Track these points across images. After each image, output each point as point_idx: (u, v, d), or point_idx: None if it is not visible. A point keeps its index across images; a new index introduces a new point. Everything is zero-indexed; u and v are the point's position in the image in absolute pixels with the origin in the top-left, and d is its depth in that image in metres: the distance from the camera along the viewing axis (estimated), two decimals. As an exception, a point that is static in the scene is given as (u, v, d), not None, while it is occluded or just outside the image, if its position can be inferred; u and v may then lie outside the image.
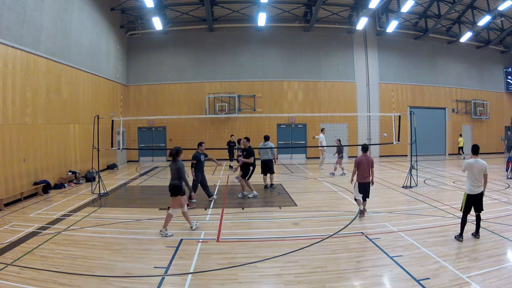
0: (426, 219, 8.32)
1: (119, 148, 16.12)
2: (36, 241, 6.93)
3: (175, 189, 7.52)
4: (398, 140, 14.19)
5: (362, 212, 8.50)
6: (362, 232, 7.34)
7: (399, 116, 14.03)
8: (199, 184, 10.26)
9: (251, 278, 5.34)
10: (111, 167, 18.98)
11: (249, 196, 10.95)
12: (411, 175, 12.54)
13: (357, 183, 8.48)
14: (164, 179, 16.10)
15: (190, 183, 8.94)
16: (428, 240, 6.75)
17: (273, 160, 12.75)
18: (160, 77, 23.00)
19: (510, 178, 13.88)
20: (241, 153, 11.57)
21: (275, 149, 13.35)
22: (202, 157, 10.36)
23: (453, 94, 25.29)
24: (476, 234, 6.78)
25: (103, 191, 11.83)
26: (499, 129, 25.57)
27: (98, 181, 11.97)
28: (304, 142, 23.26)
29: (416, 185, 12.42)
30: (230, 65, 23.19)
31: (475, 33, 24.32)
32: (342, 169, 15.67)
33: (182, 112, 21.56)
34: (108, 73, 19.39)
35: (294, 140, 23.42)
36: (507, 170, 14.43)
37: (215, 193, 11.01)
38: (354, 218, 8.44)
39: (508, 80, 26.51)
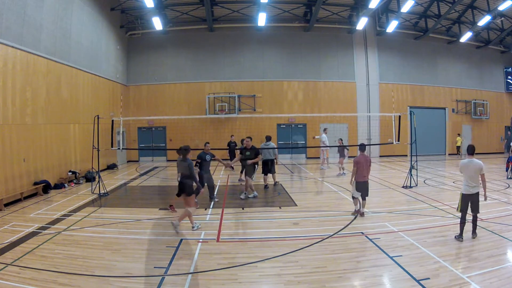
0: (426, 219, 8.32)
1: (119, 148, 16.13)
2: (36, 241, 6.93)
3: (187, 187, 7.53)
4: (398, 140, 14.18)
5: (358, 212, 8.68)
6: (362, 232, 7.34)
7: (399, 116, 14.03)
8: (205, 184, 10.21)
9: (251, 278, 5.34)
10: (111, 167, 18.98)
11: (249, 196, 10.95)
12: (411, 175, 12.53)
13: (355, 182, 8.61)
14: (164, 179, 16.11)
15: None
16: (428, 240, 6.75)
17: (275, 161, 12.80)
18: (160, 77, 23.00)
19: (510, 178, 13.88)
20: (241, 153, 11.53)
21: (276, 149, 13.37)
22: (208, 157, 10.28)
23: (453, 94, 25.29)
24: (473, 234, 6.78)
25: (103, 191, 11.83)
26: (499, 129, 25.58)
27: (98, 181, 11.97)
28: (304, 142, 23.27)
29: (416, 185, 12.42)
30: (230, 65, 23.19)
31: (475, 33, 24.32)
32: (343, 169, 15.66)
33: (182, 112, 21.55)
34: (108, 73, 19.39)
35: (294, 140, 23.42)
36: (507, 170, 14.43)
37: (215, 193, 11.00)
38: (354, 218, 8.45)
39: (508, 80, 26.51)
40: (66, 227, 7.97)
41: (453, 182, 13.44)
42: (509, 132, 17.54)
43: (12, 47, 10.98)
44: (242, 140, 12.06)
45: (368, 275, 5.36)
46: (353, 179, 8.63)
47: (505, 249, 6.35)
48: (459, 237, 6.68)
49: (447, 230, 7.36)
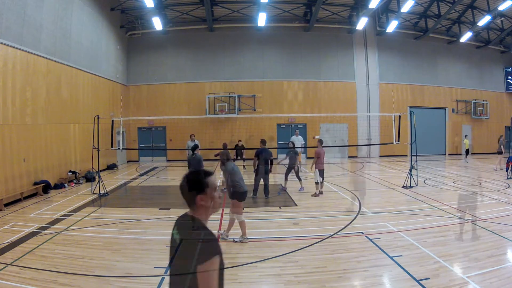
0: (426, 219, 8.32)
1: (119, 148, 16.14)
2: (36, 241, 6.93)
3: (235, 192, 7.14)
4: (398, 140, 14.18)
5: (321, 193, 11.00)
6: (362, 232, 7.34)
7: (399, 116, 14.02)
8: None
9: (251, 278, 5.34)
10: (111, 167, 18.98)
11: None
12: (411, 175, 12.53)
13: (317, 170, 10.95)
14: (164, 179, 16.12)
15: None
16: (428, 240, 6.75)
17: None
18: (160, 77, 23.00)
19: (510, 178, 13.88)
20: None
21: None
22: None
23: (453, 94, 25.29)
24: None
25: (103, 191, 11.82)
26: (499, 129, 25.56)
27: (98, 181, 11.97)
28: (304, 142, 23.24)
29: (416, 185, 12.42)
30: (230, 65, 23.19)
31: (475, 33, 24.32)
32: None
33: (182, 112, 21.54)
34: (108, 73, 19.39)
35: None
36: (507, 170, 14.43)
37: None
38: (354, 218, 8.45)
39: (508, 80, 26.51)
40: (66, 227, 7.97)
41: (453, 182, 13.44)
42: (502, 136, 17.71)
43: (12, 47, 10.97)
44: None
45: (368, 275, 5.35)
46: (314, 167, 11.05)
47: (505, 249, 6.36)
48: None
49: (447, 230, 7.36)
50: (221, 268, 2.03)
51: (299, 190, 11.92)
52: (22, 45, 11.47)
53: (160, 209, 9.66)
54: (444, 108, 25.19)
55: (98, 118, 12.02)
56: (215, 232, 6.96)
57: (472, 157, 22.44)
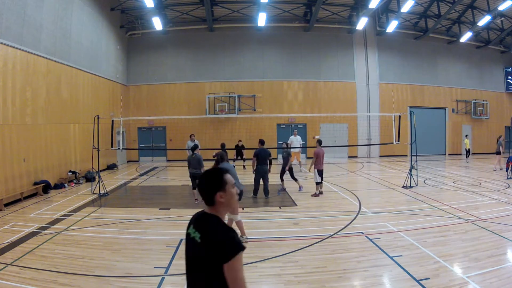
0: (426, 219, 8.32)
1: (119, 148, 16.15)
2: (36, 241, 6.93)
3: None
4: (398, 140, 14.18)
5: (321, 193, 11.07)
6: (362, 232, 7.34)
7: (399, 116, 14.03)
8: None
9: (251, 278, 5.33)
10: (111, 167, 18.98)
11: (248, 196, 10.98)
12: (411, 175, 12.53)
13: (316, 170, 10.94)
14: (164, 179, 16.12)
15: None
16: (428, 240, 6.75)
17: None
18: (160, 77, 23.00)
19: (510, 178, 13.88)
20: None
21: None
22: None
23: (453, 94, 25.29)
24: None
25: (103, 191, 11.83)
26: (499, 129, 25.56)
27: (98, 181, 11.97)
28: (304, 142, 23.25)
29: (416, 185, 12.42)
30: (230, 65, 23.19)
31: (475, 33, 24.32)
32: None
33: (182, 112, 21.54)
34: (108, 73, 19.39)
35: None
36: (507, 170, 14.43)
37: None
38: (354, 218, 8.45)
39: (508, 80, 26.51)
40: (66, 227, 7.97)
41: (453, 182, 13.45)
42: (501, 136, 17.72)
43: (12, 47, 10.98)
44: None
45: (368, 275, 5.35)
46: (313, 167, 10.98)
47: (505, 249, 6.36)
48: None
49: (447, 230, 7.36)
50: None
51: (299, 190, 11.91)
52: (22, 45, 11.47)
53: (160, 209, 9.66)
54: (444, 108, 25.19)
55: (98, 118, 12.02)
56: None
57: (472, 157, 22.44)
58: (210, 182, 2.21)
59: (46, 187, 12.25)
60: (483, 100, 25.62)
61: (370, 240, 6.85)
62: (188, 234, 2.27)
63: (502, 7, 19.75)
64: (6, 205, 10.15)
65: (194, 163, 10.21)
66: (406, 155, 22.02)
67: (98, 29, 18.20)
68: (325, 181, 13.72)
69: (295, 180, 12.24)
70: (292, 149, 17.29)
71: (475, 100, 25.38)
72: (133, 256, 6.21)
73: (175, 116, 20.22)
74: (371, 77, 23.81)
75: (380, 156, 23.75)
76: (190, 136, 15.76)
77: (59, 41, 13.96)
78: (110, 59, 19.94)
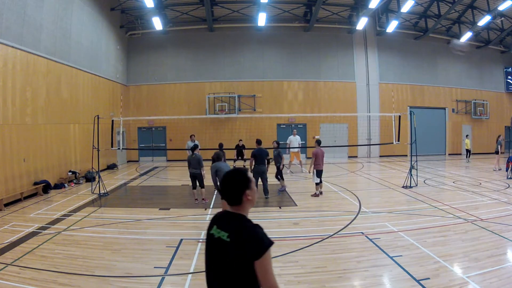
0: (426, 219, 8.32)
1: (119, 148, 16.15)
2: (36, 241, 6.93)
3: None
4: (398, 140, 14.18)
5: (318, 194, 10.97)
6: (362, 232, 7.34)
7: (399, 116, 14.03)
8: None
9: (251, 278, 5.32)
10: (111, 167, 18.99)
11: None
12: (411, 175, 12.53)
13: (315, 170, 10.88)
14: (164, 179, 16.11)
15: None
16: (428, 240, 6.75)
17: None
18: (160, 77, 23.00)
19: (510, 178, 13.88)
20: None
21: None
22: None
23: (453, 94, 25.29)
24: None
25: (103, 191, 11.83)
26: (499, 129, 25.56)
27: (98, 181, 11.97)
28: (304, 142, 23.25)
29: (416, 185, 12.42)
30: (230, 65, 23.19)
31: (475, 33, 24.32)
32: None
33: (182, 112, 21.55)
34: (108, 73, 19.39)
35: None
36: (507, 170, 14.43)
37: (215, 193, 11.02)
38: (354, 218, 8.45)
39: (508, 80, 26.51)
40: (66, 227, 7.97)
41: (453, 182, 13.45)
42: (500, 136, 17.74)
43: (12, 47, 10.98)
44: (278, 143, 12.50)
45: (368, 275, 5.35)
46: (312, 168, 10.90)
47: (505, 249, 6.36)
48: None
49: (447, 230, 7.36)
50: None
51: (279, 190, 11.83)
52: (22, 45, 11.47)
53: (160, 209, 9.66)
54: (444, 108, 25.19)
55: (98, 118, 12.02)
56: None
57: (472, 157, 22.44)
58: (237, 182, 2.25)
59: (46, 187, 12.25)
60: (483, 100, 25.62)
61: (370, 240, 6.85)
62: (211, 235, 2.27)
63: (502, 7, 19.75)
64: (6, 205, 10.15)
65: (194, 163, 10.22)
66: (406, 155, 22.02)
67: (98, 29, 18.20)
68: (325, 181, 13.75)
69: (279, 179, 12.22)
70: (291, 149, 17.32)
71: (475, 100, 25.38)
72: (133, 256, 6.21)
73: (175, 116, 20.22)
74: (371, 77, 23.81)
75: (380, 156, 23.75)
76: (191, 137, 15.77)
77: (59, 41, 13.96)
78: (110, 59, 19.94)
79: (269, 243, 2.08)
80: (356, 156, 23.80)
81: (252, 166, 10.93)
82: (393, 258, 5.87)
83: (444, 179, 14.61)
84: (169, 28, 22.26)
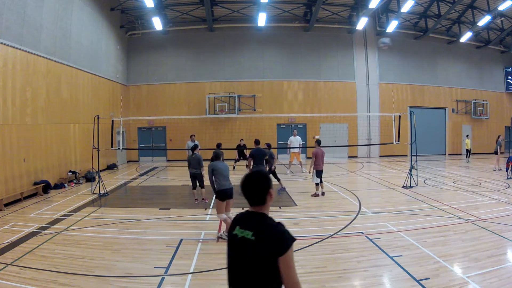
0: (426, 219, 8.32)
1: (119, 148, 16.14)
2: (36, 241, 6.93)
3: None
4: (398, 140, 14.18)
5: (318, 195, 10.89)
6: (362, 232, 7.34)
7: (399, 116, 14.03)
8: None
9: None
10: (111, 167, 18.98)
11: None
12: (411, 175, 12.53)
13: (314, 171, 10.85)
14: (164, 179, 16.11)
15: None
16: (428, 240, 6.75)
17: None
18: (160, 77, 23.00)
19: (510, 178, 13.88)
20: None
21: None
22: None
23: (453, 94, 25.29)
24: None
25: (103, 191, 11.83)
26: (499, 129, 25.58)
27: (98, 181, 11.97)
28: (304, 142, 23.25)
29: (416, 185, 12.42)
30: (230, 65, 23.19)
31: (475, 33, 24.32)
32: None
33: (182, 112, 21.55)
34: (108, 73, 19.39)
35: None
36: (507, 170, 14.43)
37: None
38: (354, 218, 8.45)
39: (508, 80, 26.51)
40: (66, 227, 7.97)
41: (453, 182, 13.45)
42: (500, 136, 17.75)
43: (12, 47, 10.98)
44: (269, 145, 12.43)
45: (368, 275, 5.35)
46: (312, 168, 10.86)
47: (505, 249, 6.36)
48: None
49: (447, 230, 7.36)
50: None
51: (279, 190, 11.86)
52: (22, 45, 11.47)
53: (160, 209, 9.66)
54: (444, 108, 25.19)
55: (98, 118, 12.02)
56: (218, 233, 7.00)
57: (472, 157, 22.44)
58: (262, 184, 2.34)
59: (46, 187, 12.25)
60: (483, 100, 25.62)
61: (370, 240, 6.85)
62: (234, 236, 2.34)
63: (502, 7, 19.75)
64: (6, 205, 10.15)
65: (194, 163, 10.23)
66: (406, 155, 22.02)
67: (98, 29, 18.20)
68: (325, 181, 13.76)
69: (278, 180, 12.33)
70: (291, 149, 17.31)
71: (475, 100, 25.38)
72: (133, 256, 6.21)
73: (175, 116, 20.22)
74: (371, 77, 23.81)
75: (380, 156, 23.75)
76: (191, 137, 15.77)
77: (59, 41, 13.96)
78: (110, 59, 19.94)
79: (292, 239, 2.20)
80: (356, 156, 23.80)
81: (251, 166, 10.94)
82: (393, 258, 5.87)
83: (444, 179, 14.61)
84: (169, 28, 22.26)
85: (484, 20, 21.25)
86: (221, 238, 6.94)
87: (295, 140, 17.08)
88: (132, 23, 22.04)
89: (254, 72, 23.15)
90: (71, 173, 14.36)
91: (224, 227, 7.37)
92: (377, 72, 23.96)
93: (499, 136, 17.81)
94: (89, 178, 14.31)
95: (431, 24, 23.33)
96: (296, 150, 17.21)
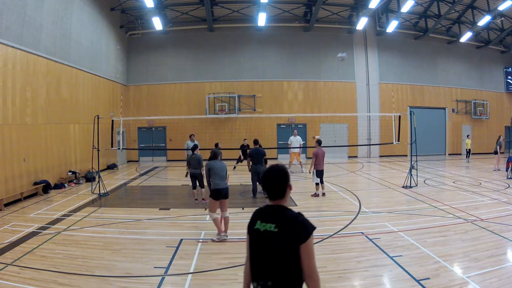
0: (426, 219, 8.32)
1: (119, 148, 16.14)
2: (36, 241, 6.93)
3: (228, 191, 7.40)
4: (398, 140, 14.18)
5: (318, 195, 10.88)
6: (362, 232, 7.34)
7: (399, 116, 14.03)
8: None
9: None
10: (111, 167, 18.98)
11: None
12: (411, 175, 12.53)
13: (314, 171, 10.84)
14: (164, 179, 16.11)
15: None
16: (428, 240, 6.75)
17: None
18: (160, 77, 23.00)
19: (510, 178, 13.88)
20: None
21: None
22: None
23: (453, 94, 25.30)
24: None
25: (103, 191, 11.83)
26: (499, 129, 25.59)
27: (98, 181, 11.97)
28: (304, 142, 23.23)
29: (416, 185, 12.42)
30: (230, 65, 23.19)
31: (475, 33, 24.32)
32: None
33: (182, 112, 21.55)
34: (108, 73, 19.39)
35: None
36: (507, 170, 14.43)
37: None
38: (354, 218, 8.45)
39: (508, 80, 26.51)
40: (66, 227, 7.97)
41: (453, 182, 13.45)
42: (500, 136, 17.75)
43: (12, 47, 10.98)
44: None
45: (368, 275, 5.35)
46: (312, 168, 10.84)
47: (505, 249, 6.36)
48: None
49: (447, 230, 7.36)
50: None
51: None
52: (22, 45, 11.47)
53: (160, 209, 9.66)
54: (444, 108, 25.19)
55: (98, 118, 12.02)
56: (223, 234, 6.98)
57: (472, 157, 22.44)
58: (282, 177, 2.44)
59: (46, 187, 12.25)
60: (483, 100, 25.62)
61: (370, 240, 6.85)
62: (256, 230, 2.40)
63: (502, 7, 19.75)
64: (6, 205, 10.15)
65: (194, 163, 10.24)
66: (406, 155, 22.01)
67: (98, 29, 18.20)
68: (325, 181, 13.76)
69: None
70: (292, 150, 17.30)
71: (475, 100, 25.38)
72: (133, 256, 6.21)
73: (175, 116, 20.23)
74: (371, 77, 23.81)
75: (380, 156, 23.75)
76: (190, 136, 15.77)
77: (59, 41, 13.96)
78: (110, 59, 19.94)
79: (313, 227, 2.31)
80: (356, 156, 23.80)
81: (250, 166, 10.94)
82: (393, 258, 5.87)
83: (444, 179, 14.61)
84: (169, 28, 22.26)
85: (484, 20, 21.25)
86: (214, 240, 6.92)
87: (295, 140, 17.07)
88: (132, 23, 22.04)
89: (254, 72, 23.15)
90: (71, 173, 14.36)
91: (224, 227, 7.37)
92: (377, 72, 23.96)
93: (499, 137, 17.81)
94: (89, 178, 14.31)
95: (431, 24, 23.33)
96: (296, 150, 17.21)
